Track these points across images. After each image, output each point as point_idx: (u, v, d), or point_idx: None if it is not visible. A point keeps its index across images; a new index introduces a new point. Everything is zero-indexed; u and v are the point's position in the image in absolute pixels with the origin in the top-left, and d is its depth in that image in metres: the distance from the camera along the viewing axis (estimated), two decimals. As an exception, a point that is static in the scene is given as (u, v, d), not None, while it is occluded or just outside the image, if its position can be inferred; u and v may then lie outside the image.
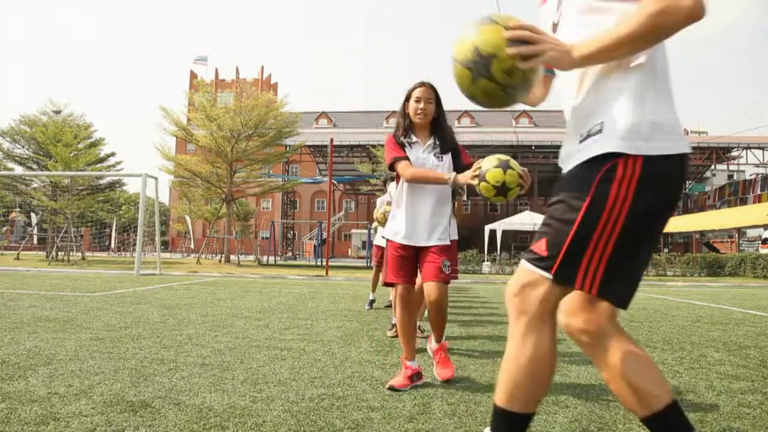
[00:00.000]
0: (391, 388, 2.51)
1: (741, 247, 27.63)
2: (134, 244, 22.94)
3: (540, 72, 1.32)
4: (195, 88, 27.77)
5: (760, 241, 27.00)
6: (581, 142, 1.25)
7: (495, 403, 1.33)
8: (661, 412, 1.18)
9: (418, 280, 2.79)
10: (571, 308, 1.29)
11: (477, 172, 2.22)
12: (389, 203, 4.45)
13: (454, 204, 2.96)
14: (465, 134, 35.76)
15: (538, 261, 1.26)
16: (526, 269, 1.30)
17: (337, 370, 2.88)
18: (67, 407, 2.10)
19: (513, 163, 2.26)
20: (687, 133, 40.76)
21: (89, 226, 29.02)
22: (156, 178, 13.91)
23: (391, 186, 3.95)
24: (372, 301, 5.96)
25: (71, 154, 20.94)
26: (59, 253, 19.16)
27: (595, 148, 1.19)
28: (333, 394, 2.39)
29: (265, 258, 23.34)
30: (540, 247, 1.27)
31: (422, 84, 2.71)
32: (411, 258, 2.72)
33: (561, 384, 2.70)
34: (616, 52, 1.13)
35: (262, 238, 36.34)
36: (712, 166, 35.47)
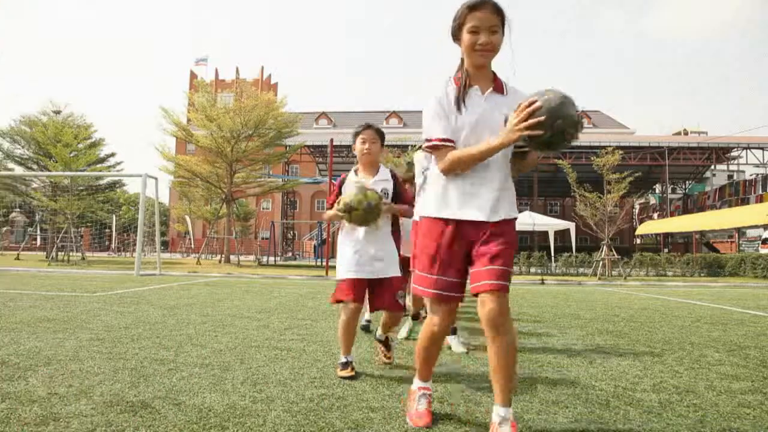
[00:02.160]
0: None
1: (741, 247, 27.64)
2: (134, 245, 22.96)
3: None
4: (195, 88, 27.76)
5: (760, 241, 27.01)
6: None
7: None
8: None
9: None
10: None
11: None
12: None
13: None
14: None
15: None
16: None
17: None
18: (67, 407, 2.10)
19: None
20: (687, 133, 40.79)
21: (89, 227, 29.04)
22: (156, 179, 13.91)
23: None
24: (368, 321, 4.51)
25: (71, 155, 20.94)
26: (59, 253, 19.16)
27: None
28: (333, 394, 2.39)
29: (265, 258, 23.34)
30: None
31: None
32: None
33: (561, 384, 2.70)
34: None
35: (262, 238, 36.34)
36: (712, 166, 35.46)
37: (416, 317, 4.18)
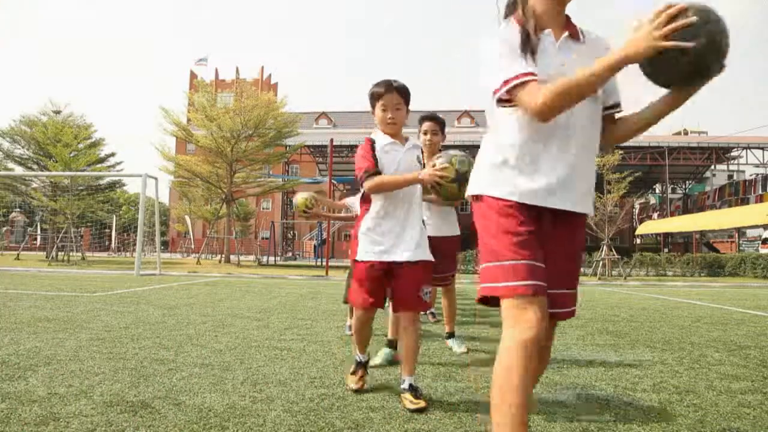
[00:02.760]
0: None
1: (741, 247, 27.63)
2: (134, 244, 22.95)
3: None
4: (195, 88, 27.77)
5: (760, 241, 27.01)
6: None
7: None
8: None
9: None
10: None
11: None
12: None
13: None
14: (465, 134, 35.78)
15: None
16: None
17: (337, 371, 2.88)
18: (67, 407, 2.10)
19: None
20: (687, 133, 40.83)
21: (89, 227, 29.03)
22: (156, 179, 13.91)
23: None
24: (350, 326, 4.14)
25: (71, 155, 20.95)
26: (59, 253, 19.16)
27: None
28: (333, 394, 2.39)
29: (265, 258, 23.35)
30: None
31: None
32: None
33: (561, 384, 2.70)
34: None
35: (262, 238, 36.33)
36: (712, 166, 35.46)
37: (392, 345, 3.14)
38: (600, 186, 16.28)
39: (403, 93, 2.40)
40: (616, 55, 1.26)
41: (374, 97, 2.42)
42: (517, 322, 1.35)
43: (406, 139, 2.49)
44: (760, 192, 30.41)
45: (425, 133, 3.37)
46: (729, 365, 3.23)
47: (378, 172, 2.35)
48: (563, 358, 3.38)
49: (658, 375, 2.94)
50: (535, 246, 1.41)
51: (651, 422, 2.11)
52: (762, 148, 31.68)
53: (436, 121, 3.40)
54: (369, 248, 2.36)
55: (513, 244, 1.39)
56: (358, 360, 2.57)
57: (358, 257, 2.39)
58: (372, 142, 2.42)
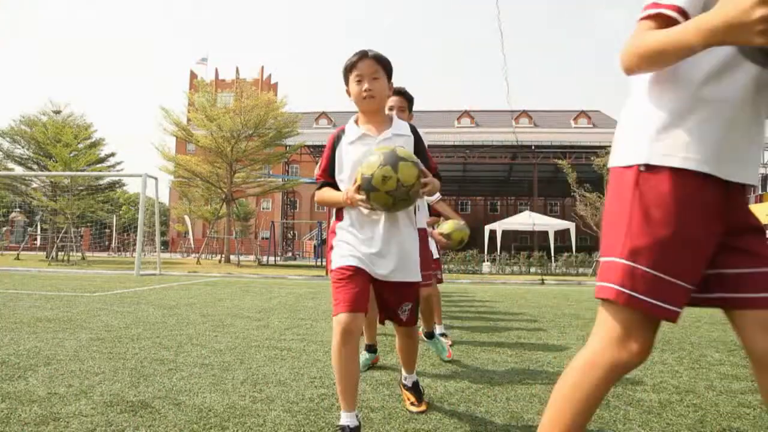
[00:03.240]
0: None
1: (741, 247, 27.63)
2: (134, 244, 22.98)
3: None
4: (195, 88, 27.80)
5: (760, 241, 27.01)
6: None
7: None
8: None
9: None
10: None
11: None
12: None
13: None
14: (465, 134, 35.78)
15: None
16: None
17: (337, 370, 2.87)
18: (67, 407, 2.10)
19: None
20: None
21: (89, 226, 29.04)
22: (156, 179, 13.93)
23: None
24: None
25: (71, 155, 20.97)
26: (59, 253, 19.16)
27: None
28: (333, 394, 2.39)
29: (265, 258, 23.35)
30: None
31: None
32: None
33: (561, 384, 2.70)
34: None
35: (262, 238, 36.35)
36: (712, 166, 35.43)
37: (372, 349, 3.03)
38: (601, 186, 16.29)
39: (382, 61, 1.97)
40: (706, 29, 0.90)
41: (347, 70, 1.97)
42: (622, 343, 1.13)
43: (391, 123, 2.02)
44: (760, 192, 30.42)
45: (391, 109, 2.90)
46: (729, 365, 3.23)
47: (326, 183, 2.01)
48: (563, 358, 3.38)
49: (658, 375, 2.94)
50: (708, 260, 1.10)
51: (651, 422, 2.11)
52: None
53: (403, 96, 3.02)
54: (346, 254, 1.92)
55: (688, 258, 1.06)
56: (344, 425, 1.77)
57: (334, 265, 1.94)
58: (336, 138, 2.02)
